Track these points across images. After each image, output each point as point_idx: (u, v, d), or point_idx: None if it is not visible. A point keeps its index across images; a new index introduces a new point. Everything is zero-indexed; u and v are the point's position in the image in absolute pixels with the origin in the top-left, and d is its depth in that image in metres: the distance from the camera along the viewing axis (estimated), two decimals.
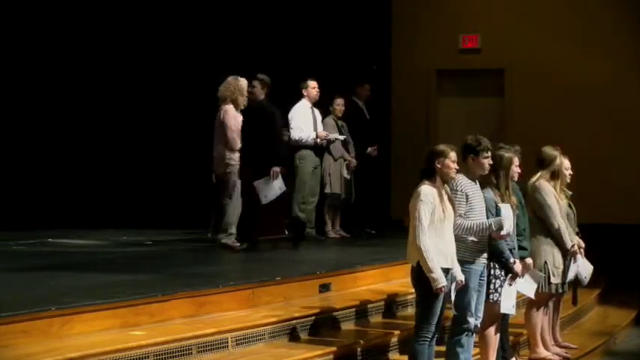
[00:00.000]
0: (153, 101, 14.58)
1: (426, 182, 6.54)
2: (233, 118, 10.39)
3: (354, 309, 7.94)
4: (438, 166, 6.54)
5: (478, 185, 6.94)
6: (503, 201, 7.09)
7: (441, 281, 6.39)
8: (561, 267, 8.14)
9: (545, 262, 8.05)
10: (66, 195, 13.71)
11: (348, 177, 12.10)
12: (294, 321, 7.31)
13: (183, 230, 12.37)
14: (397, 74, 15.62)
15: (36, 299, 6.56)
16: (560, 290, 8.28)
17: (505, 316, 7.43)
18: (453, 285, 6.55)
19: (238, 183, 10.27)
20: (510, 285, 7.22)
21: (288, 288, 8.01)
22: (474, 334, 7.00)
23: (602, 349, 9.29)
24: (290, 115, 11.67)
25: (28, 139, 13.72)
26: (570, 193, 8.44)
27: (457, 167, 6.62)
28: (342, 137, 11.96)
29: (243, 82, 10.44)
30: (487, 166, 6.93)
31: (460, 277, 6.59)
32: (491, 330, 7.28)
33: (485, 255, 6.94)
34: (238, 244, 10.22)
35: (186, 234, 12.02)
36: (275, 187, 10.12)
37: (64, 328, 6.19)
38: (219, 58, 13.57)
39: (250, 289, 7.64)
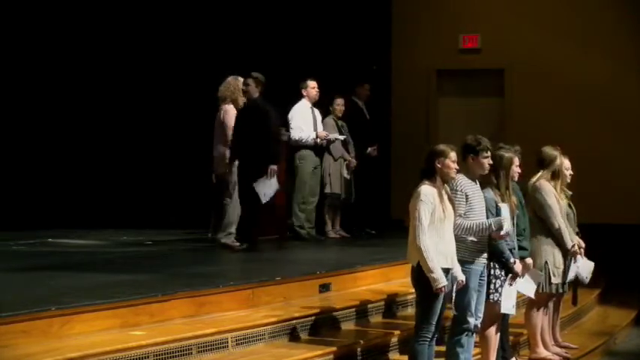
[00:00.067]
0: (153, 101, 14.58)
1: (426, 182, 6.54)
2: (233, 118, 10.40)
3: (354, 309, 7.94)
4: (439, 166, 6.53)
5: (478, 185, 6.94)
6: (503, 201, 7.09)
7: (442, 281, 6.39)
8: (562, 267, 8.15)
9: (546, 262, 8.05)
10: (66, 195, 13.71)
11: (348, 177, 12.10)
12: (294, 321, 7.31)
13: (183, 230, 12.37)
14: (397, 74, 15.62)
15: (36, 299, 6.55)
16: (561, 290, 8.29)
17: (505, 316, 7.43)
18: (454, 285, 6.55)
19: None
20: (510, 285, 7.22)
21: (288, 288, 8.01)
22: (474, 334, 7.00)
23: (602, 349, 9.28)
24: (290, 115, 11.67)
25: (28, 139, 13.72)
26: (570, 193, 8.44)
27: (457, 167, 6.62)
28: (342, 137, 11.96)
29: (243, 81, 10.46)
30: (487, 166, 6.93)
31: (461, 277, 6.58)
32: (492, 330, 7.28)
33: (485, 255, 6.94)
34: (238, 244, 10.22)
35: (186, 234, 12.02)
36: (273, 185, 10.10)
37: (64, 328, 6.18)
38: (219, 58, 13.57)
39: (250, 289, 7.64)
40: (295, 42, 14.33)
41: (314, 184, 11.72)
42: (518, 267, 7.20)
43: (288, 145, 11.68)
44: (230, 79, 10.71)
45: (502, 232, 6.79)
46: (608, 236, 12.67)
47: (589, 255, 8.58)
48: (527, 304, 8.27)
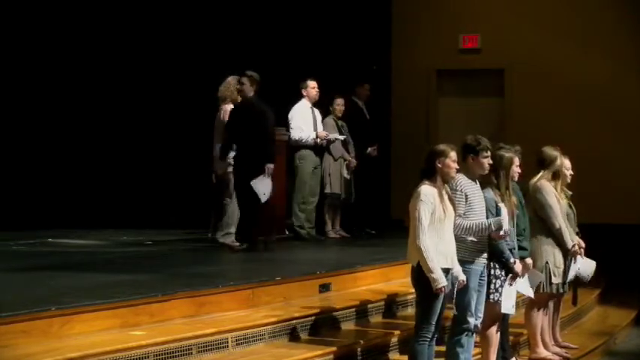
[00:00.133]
0: (153, 101, 14.58)
1: (426, 182, 6.53)
2: None
3: (354, 309, 7.93)
4: (439, 165, 6.53)
5: (478, 185, 6.94)
6: (503, 201, 7.09)
7: (441, 281, 6.39)
8: (562, 267, 8.15)
9: (547, 263, 8.05)
10: (66, 195, 13.71)
11: (348, 177, 12.09)
12: (294, 321, 7.30)
13: (183, 230, 12.37)
14: (397, 74, 15.62)
15: (36, 299, 6.55)
16: (561, 290, 8.29)
17: (505, 316, 7.43)
18: (455, 285, 6.55)
19: None
20: (510, 285, 7.22)
21: (288, 288, 8.01)
22: (475, 334, 7.00)
23: (602, 349, 9.28)
24: (290, 115, 11.67)
25: (28, 139, 13.72)
26: (570, 193, 8.45)
27: (457, 167, 6.62)
28: (342, 137, 11.96)
29: None
30: (487, 166, 6.92)
31: (462, 277, 6.58)
32: (493, 330, 7.28)
33: (485, 255, 6.94)
34: (238, 244, 10.21)
35: (186, 234, 12.02)
36: (269, 184, 10.08)
37: (64, 328, 6.18)
38: (219, 58, 13.57)
39: (250, 289, 7.64)
40: (295, 42, 14.33)
41: (314, 184, 11.72)
42: (518, 267, 7.20)
43: (288, 145, 11.69)
44: (230, 78, 10.70)
45: (501, 232, 6.79)
46: (608, 236, 12.66)
47: (589, 255, 8.58)
48: (528, 304, 8.27)
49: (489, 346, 7.30)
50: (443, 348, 7.02)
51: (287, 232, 11.96)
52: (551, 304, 8.50)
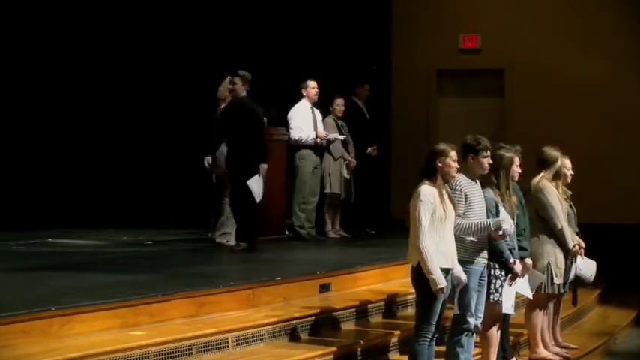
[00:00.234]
0: (153, 101, 14.58)
1: (426, 182, 6.53)
2: None
3: (354, 309, 7.93)
4: (440, 165, 6.52)
5: (479, 185, 6.94)
6: (503, 201, 7.09)
7: (441, 282, 6.38)
8: (563, 267, 8.15)
9: (548, 263, 8.05)
10: (66, 195, 13.71)
11: (348, 177, 12.09)
12: (294, 321, 7.30)
13: (183, 230, 12.37)
14: (397, 74, 15.63)
15: (36, 299, 6.55)
16: (562, 290, 8.29)
17: (506, 316, 7.43)
18: (456, 285, 6.55)
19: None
20: (510, 285, 7.21)
21: (288, 288, 8.00)
22: (475, 334, 7.00)
23: (602, 349, 9.28)
24: (289, 115, 11.67)
25: (28, 139, 13.72)
26: (570, 193, 8.44)
27: (458, 166, 6.62)
28: (342, 137, 11.96)
29: None
30: (487, 166, 6.92)
31: (463, 276, 6.58)
32: (493, 330, 7.27)
33: (485, 255, 6.93)
34: (232, 244, 10.21)
35: (186, 234, 12.01)
36: (262, 183, 10.07)
37: (64, 328, 6.18)
38: (218, 58, 13.56)
39: (250, 289, 7.64)
40: (295, 42, 14.33)
41: (314, 184, 11.72)
42: (517, 267, 7.20)
43: (288, 145, 11.69)
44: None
45: (500, 232, 6.78)
46: (608, 236, 12.66)
47: (589, 255, 8.58)
48: (528, 305, 8.27)
49: (489, 346, 7.30)
50: (443, 348, 7.01)
51: (287, 232, 11.96)
52: (551, 304, 8.50)
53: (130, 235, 11.92)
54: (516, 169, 7.38)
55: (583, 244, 8.43)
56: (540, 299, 8.13)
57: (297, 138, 11.59)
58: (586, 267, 8.50)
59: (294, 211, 11.67)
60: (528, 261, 7.47)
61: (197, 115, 12.59)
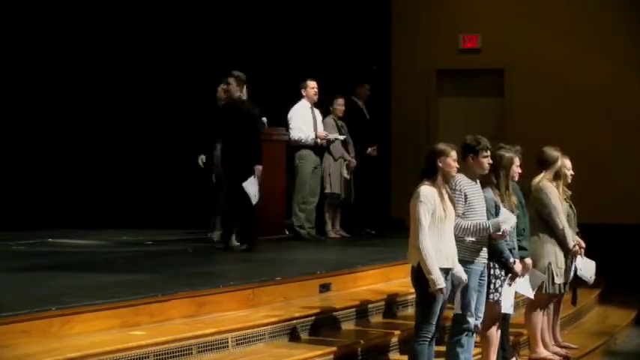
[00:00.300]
0: (153, 101, 14.58)
1: (426, 182, 6.52)
2: None
3: (354, 309, 7.93)
4: (440, 165, 6.51)
5: (479, 185, 6.93)
6: (503, 201, 7.09)
7: (440, 283, 6.38)
8: (564, 267, 8.15)
9: (549, 263, 8.05)
10: (66, 195, 13.71)
11: (348, 177, 12.09)
12: (295, 321, 7.30)
13: (183, 230, 12.37)
14: (397, 74, 15.63)
15: (36, 299, 6.55)
16: (562, 290, 8.29)
17: (506, 316, 7.43)
18: (457, 285, 6.55)
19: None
20: (510, 285, 7.21)
21: (288, 288, 8.00)
22: (475, 334, 6.99)
23: (602, 349, 9.28)
24: (289, 115, 11.67)
25: (28, 139, 13.73)
26: (570, 193, 8.45)
27: (458, 166, 6.62)
28: (342, 137, 11.96)
29: None
30: (487, 166, 6.92)
31: (463, 276, 6.58)
32: (493, 330, 7.27)
33: (485, 255, 6.93)
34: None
35: (186, 234, 12.01)
36: (257, 185, 10.06)
37: (64, 328, 6.18)
38: (218, 59, 13.56)
39: (250, 289, 7.64)
40: (295, 42, 14.33)
41: (314, 184, 11.71)
42: (517, 267, 7.20)
43: (288, 145, 11.69)
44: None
45: (499, 232, 6.78)
46: (608, 236, 12.66)
47: (589, 255, 8.58)
48: (528, 305, 8.27)
49: (489, 346, 7.30)
50: (443, 348, 7.02)
51: (287, 232, 11.96)
52: (551, 304, 8.50)
53: (130, 235, 11.92)
54: (516, 169, 7.38)
55: (583, 244, 8.43)
56: (541, 299, 8.13)
57: (297, 138, 11.59)
58: (586, 267, 8.50)
59: (294, 211, 11.67)
60: (528, 261, 7.47)
61: (197, 115, 12.58)
